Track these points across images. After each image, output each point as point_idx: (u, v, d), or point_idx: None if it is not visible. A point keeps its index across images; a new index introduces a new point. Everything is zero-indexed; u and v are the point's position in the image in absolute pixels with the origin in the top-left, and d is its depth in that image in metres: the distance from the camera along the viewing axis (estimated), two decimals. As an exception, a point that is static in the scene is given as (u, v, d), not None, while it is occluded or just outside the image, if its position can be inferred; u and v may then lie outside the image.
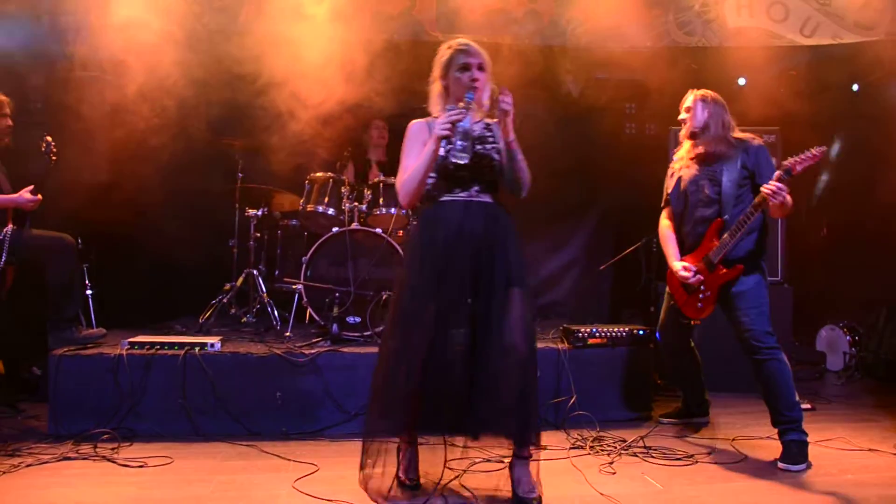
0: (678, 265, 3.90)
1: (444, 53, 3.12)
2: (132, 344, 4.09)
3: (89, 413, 3.90)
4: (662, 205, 4.17)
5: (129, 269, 5.58)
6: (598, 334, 4.42)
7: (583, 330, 4.43)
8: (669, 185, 4.10)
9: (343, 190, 5.12)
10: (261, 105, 5.53)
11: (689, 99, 3.99)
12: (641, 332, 4.47)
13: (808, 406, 4.73)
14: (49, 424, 3.94)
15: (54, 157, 4.37)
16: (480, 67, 3.02)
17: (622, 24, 5.83)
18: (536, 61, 5.97)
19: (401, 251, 4.75)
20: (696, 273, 3.80)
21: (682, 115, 4.00)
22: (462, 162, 2.79)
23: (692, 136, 3.95)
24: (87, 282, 4.86)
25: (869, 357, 6.00)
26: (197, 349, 4.07)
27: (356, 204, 5.08)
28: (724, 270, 3.73)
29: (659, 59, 5.92)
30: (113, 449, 3.63)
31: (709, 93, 3.99)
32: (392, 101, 5.44)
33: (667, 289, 4.12)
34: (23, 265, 4.33)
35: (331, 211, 5.10)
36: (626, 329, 4.48)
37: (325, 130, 5.37)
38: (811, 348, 6.42)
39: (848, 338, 6.11)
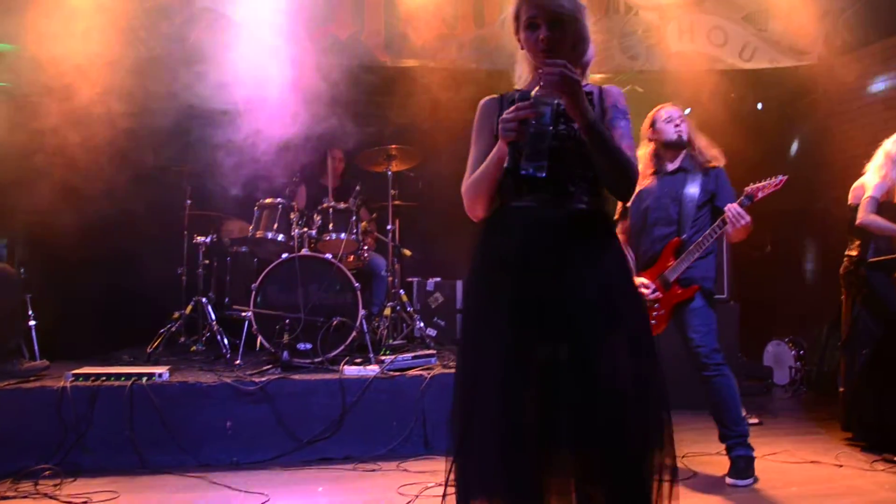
0: (636, 281, 3.86)
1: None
2: (76, 376, 4.00)
3: (31, 449, 3.78)
4: (617, 217, 4.09)
5: (74, 298, 5.47)
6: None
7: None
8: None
9: (292, 216, 5.11)
10: (210, 131, 5.50)
11: (676, 110, 3.94)
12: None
13: (756, 420, 4.84)
14: (-11, 460, 3.83)
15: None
16: (555, 21, 2.06)
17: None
18: (486, 85, 6.05)
19: (351, 277, 4.75)
20: (653, 290, 3.80)
21: (665, 124, 3.89)
22: (539, 175, 1.93)
23: (676, 145, 3.87)
24: (30, 312, 4.74)
25: (813, 371, 6.16)
26: (144, 379, 4.00)
27: (306, 230, 5.06)
28: (680, 290, 3.74)
29: (604, 82, 6.04)
30: (56, 485, 3.53)
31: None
32: (345, 126, 5.46)
33: None
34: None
35: (280, 237, 5.07)
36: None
37: (274, 156, 5.36)
38: (758, 363, 6.57)
39: (793, 352, 6.27)
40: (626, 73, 6.16)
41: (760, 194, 3.54)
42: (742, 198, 3.57)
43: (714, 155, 3.87)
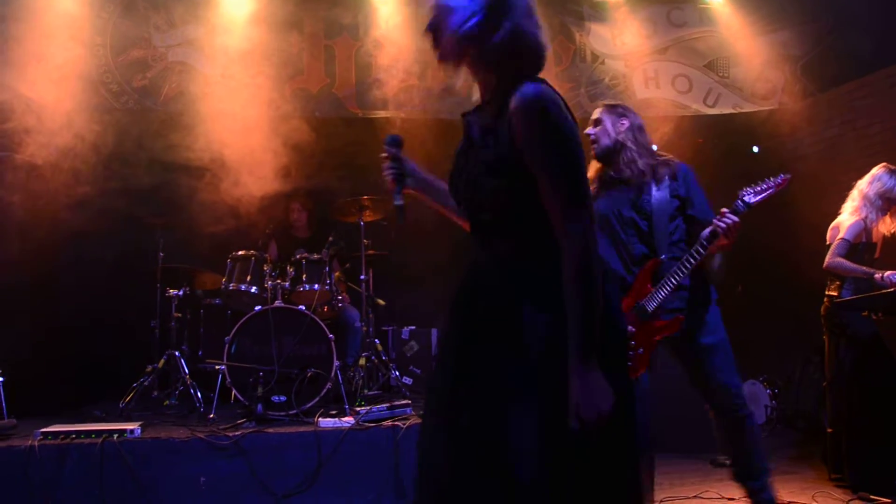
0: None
1: None
2: (45, 434, 3.92)
3: (-2, 511, 3.71)
4: None
5: (44, 353, 5.39)
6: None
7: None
8: None
9: (265, 268, 5.10)
10: (182, 184, 5.53)
11: (597, 112, 3.39)
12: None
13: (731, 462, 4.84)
14: (-48, 526, 3.74)
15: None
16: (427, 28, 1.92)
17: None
18: (456, 135, 6.14)
19: (324, 328, 4.74)
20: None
21: (590, 130, 3.35)
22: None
23: (605, 155, 3.30)
24: (-4, 367, 4.67)
25: (789, 409, 6.20)
26: (115, 436, 3.93)
27: (279, 281, 5.06)
28: (662, 323, 3.16)
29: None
30: (23, 548, 3.45)
31: (619, 102, 3.45)
32: (317, 177, 5.51)
33: None
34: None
35: (253, 289, 5.06)
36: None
37: (246, 208, 5.39)
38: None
39: (768, 391, 6.30)
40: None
41: (756, 199, 3.10)
42: (737, 202, 3.11)
43: (667, 155, 3.37)
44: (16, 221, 5.33)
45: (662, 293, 3.12)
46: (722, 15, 6.39)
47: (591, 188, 3.21)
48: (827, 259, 4.40)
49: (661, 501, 3.99)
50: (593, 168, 3.36)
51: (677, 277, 3.10)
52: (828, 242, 4.66)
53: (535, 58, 1.86)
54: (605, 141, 3.26)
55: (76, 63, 5.41)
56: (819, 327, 4.65)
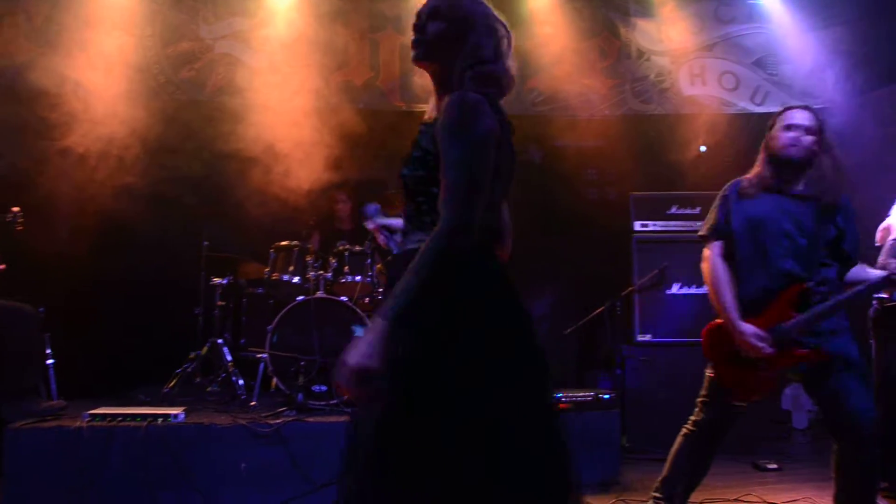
0: (748, 329, 2.97)
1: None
2: (93, 416, 4.00)
3: (47, 488, 3.78)
4: (707, 233, 3.21)
5: (92, 338, 5.51)
6: (563, 399, 4.43)
7: (548, 394, 4.43)
8: (725, 211, 3.17)
9: (308, 258, 5.14)
10: (227, 174, 5.59)
11: (809, 118, 3.09)
12: (607, 397, 4.50)
13: (775, 466, 4.77)
14: (4, 501, 3.82)
15: (20, 228, 4.36)
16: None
17: (581, 93, 6.05)
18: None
19: (366, 320, 4.76)
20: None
21: (791, 134, 3.07)
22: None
23: (798, 163, 3.06)
24: (48, 351, 4.77)
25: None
26: (160, 420, 4.00)
27: (321, 272, 5.09)
28: (803, 352, 2.94)
29: (618, 126, 6.13)
30: (71, 526, 3.53)
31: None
32: (361, 169, 5.54)
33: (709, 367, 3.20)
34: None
35: (296, 279, 5.10)
36: (592, 393, 4.50)
37: (290, 199, 5.43)
38: (776, 406, 6.49)
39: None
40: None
41: None
42: None
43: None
44: (64, 209, 5.44)
45: (808, 322, 2.94)
46: (772, 11, 6.27)
47: (751, 191, 3.11)
48: (880, 259, 4.30)
49: (702, 503, 3.94)
50: (757, 168, 3.17)
51: (829, 311, 2.93)
52: (878, 244, 4.56)
53: (490, 75, 1.97)
54: (808, 149, 3.05)
55: (126, 53, 5.50)
56: (866, 331, 4.54)
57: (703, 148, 6.22)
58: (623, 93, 6.22)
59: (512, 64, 2.05)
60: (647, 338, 5.34)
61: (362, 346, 1.73)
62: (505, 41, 2.04)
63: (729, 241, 3.13)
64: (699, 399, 3.23)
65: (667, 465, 3.27)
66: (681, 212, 5.44)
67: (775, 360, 2.95)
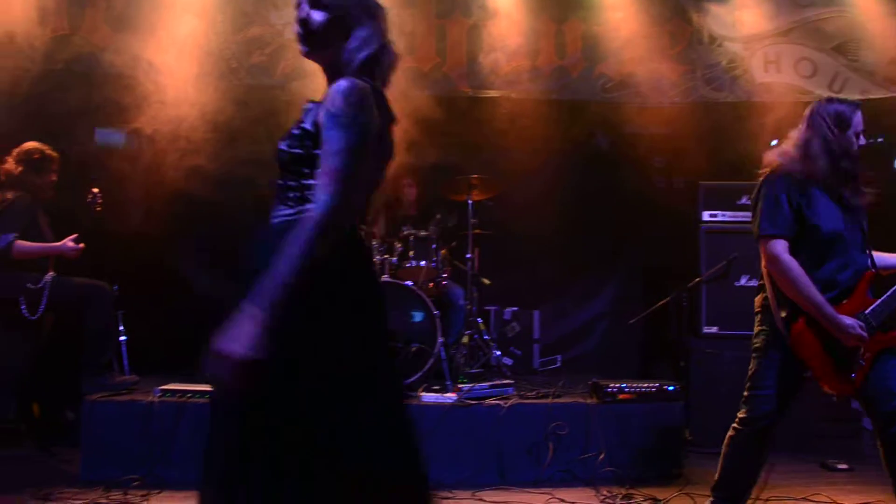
0: (848, 321, 2.94)
1: None
2: (164, 391, 4.14)
3: (120, 459, 3.94)
4: (772, 233, 3.05)
5: (164, 315, 5.66)
6: (627, 390, 4.38)
7: (612, 385, 4.40)
8: (791, 207, 3.05)
9: (373, 242, 5.19)
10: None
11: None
12: (671, 388, 4.43)
13: (845, 466, 4.63)
14: (81, 469, 3.99)
15: (98, 209, 4.52)
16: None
17: (651, 80, 5.93)
18: (565, 116, 6.08)
19: (430, 304, 4.79)
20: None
21: (860, 138, 3.12)
22: None
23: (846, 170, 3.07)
24: (121, 328, 4.94)
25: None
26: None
27: (386, 256, 5.14)
28: (887, 336, 3.00)
29: (688, 113, 5.99)
30: (143, 496, 3.66)
31: None
32: (427, 154, 5.55)
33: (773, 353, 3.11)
34: (61, 311, 4.45)
35: (362, 263, 5.14)
36: (656, 384, 4.45)
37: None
38: (846, 405, 6.29)
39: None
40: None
41: None
42: None
43: None
44: (137, 191, 5.59)
45: (886, 311, 2.99)
46: (854, -6, 6.04)
47: (807, 183, 3.04)
48: None
49: (767, 501, 3.85)
50: (808, 158, 3.09)
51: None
52: None
53: (375, 59, 2.04)
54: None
55: (199, 37, 5.60)
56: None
57: (774, 142, 6.00)
58: (694, 80, 6.07)
59: (392, 42, 2.11)
60: (714, 330, 5.24)
61: (243, 335, 1.72)
62: (384, 21, 2.10)
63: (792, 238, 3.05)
64: (745, 395, 3.14)
65: (719, 466, 3.20)
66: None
67: (870, 346, 2.95)
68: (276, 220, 1.99)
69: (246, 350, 1.71)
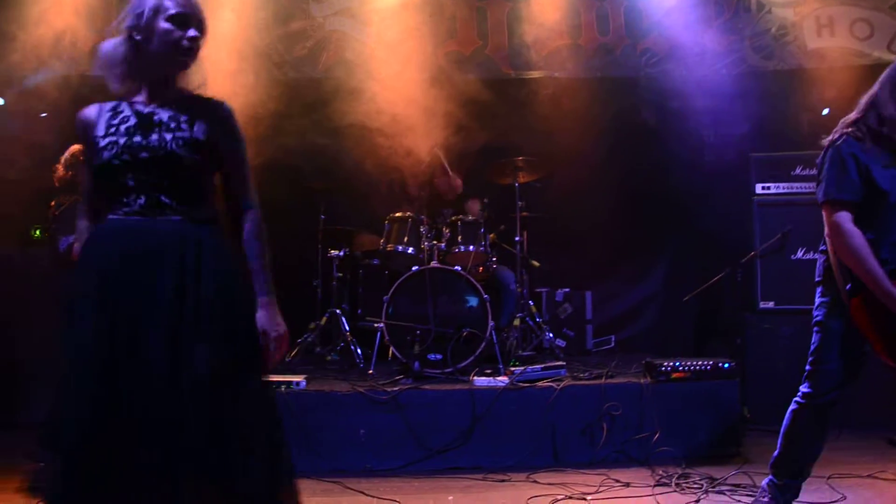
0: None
1: None
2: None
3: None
4: (836, 197, 2.93)
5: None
6: (681, 368, 4.33)
7: (666, 363, 4.35)
8: (858, 172, 2.92)
9: (422, 229, 5.21)
10: (341, 148, 5.72)
11: None
12: (727, 366, 4.36)
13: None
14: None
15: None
16: (202, 29, 2.23)
17: (696, 52, 5.81)
18: (610, 93, 6.00)
19: (480, 289, 4.80)
20: None
21: None
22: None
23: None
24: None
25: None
26: (283, 387, 4.20)
27: (435, 242, 5.16)
28: None
29: (736, 84, 5.85)
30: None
31: None
32: (471, 139, 5.54)
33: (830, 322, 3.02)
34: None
35: (410, 250, 5.18)
36: (711, 362, 4.38)
37: (402, 170, 5.51)
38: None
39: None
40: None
41: None
42: None
43: None
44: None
45: None
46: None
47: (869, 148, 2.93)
48: None
49: (830, 477, 3.77)
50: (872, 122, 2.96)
51: None
52: None
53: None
54: None
55: (237, 32, 5.66)
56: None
57: (826, 111, 5.82)
58: (741, 49, 5.91)
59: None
60: (770, 305, 5.13)
61: (279, 317, 2.23)
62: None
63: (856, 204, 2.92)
64: (808, 370, 3.04)
65: (779, 443, 3.13)
66: (805, 173, 5.16)
67: None
68: (170, 218, 2.15)
69: (284, 327, 2.24)
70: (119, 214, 2.08)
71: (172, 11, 2.12)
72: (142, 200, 2.08)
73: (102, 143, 2.10)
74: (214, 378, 1.98)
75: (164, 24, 2.10)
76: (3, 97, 5.55)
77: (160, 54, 2.13)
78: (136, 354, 1.95)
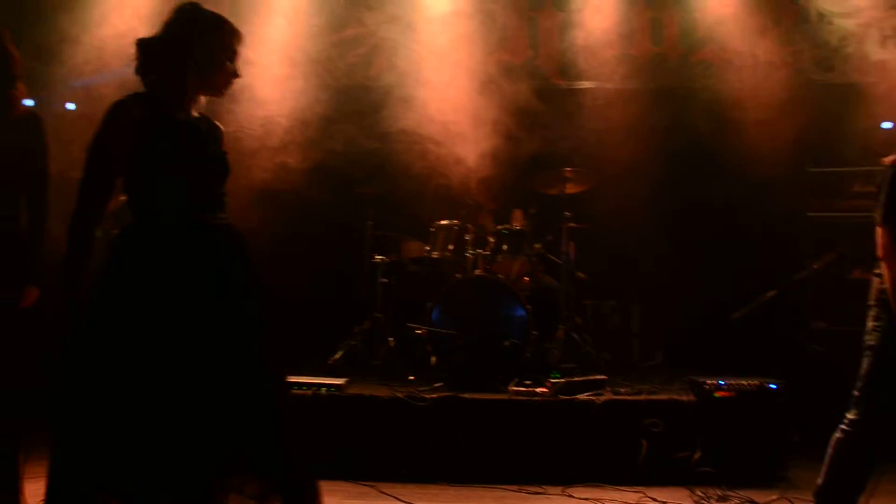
0: None
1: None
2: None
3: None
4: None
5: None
6: (726, 387, 4.23)
7: (710, 381, 4.26)
8: None
9: (467, 237, 5.22)
10: (390, 155, 5.76)
11: None
12: (773, 386, 4.25)
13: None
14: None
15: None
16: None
17: (753, 63, 5.69)
18: (663, 104, 5.91)
19: (523, 299, 4.77)
20: None
21: None
22: None
23: None
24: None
25: None
26: (324, 390, 4.24)
27: (480, 251, 5.16)
28: None
29: (794, 97, 5.71)
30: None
31: None
32: (520, 149, 5.53)
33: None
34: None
35: (455, 258, 5.19)
36: (757, 382, 4.27)
37: (449, 179, 5.52)
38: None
39: None
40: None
41: None
42: None
43: None
44: (239, 189, 5.79)
45: None
46: None
47: None
48: None
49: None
50: None
51: None
52: None
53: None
54: None
55: (289, 39, 5.75)
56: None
57: (886, 125, 5.64)
58: (800, 61, 5.78)
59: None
60: (822, 325, 4.99)
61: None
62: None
63: None
64: (855, 395, 2.95)
65: (823, 470, 3.03)
66: (864, 190, 5.02)
67: None
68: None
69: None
70: (172, 216, 2.33)
71: (235, 53, 2.46)
72: (198, 203, 2.38)
73: (162, 148, 2.30)
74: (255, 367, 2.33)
75: (228, 65, 2.44)
76: (72, 102, 5.72)
77: (217, 85, 2.48)
78: (178, 346, 2.21)
